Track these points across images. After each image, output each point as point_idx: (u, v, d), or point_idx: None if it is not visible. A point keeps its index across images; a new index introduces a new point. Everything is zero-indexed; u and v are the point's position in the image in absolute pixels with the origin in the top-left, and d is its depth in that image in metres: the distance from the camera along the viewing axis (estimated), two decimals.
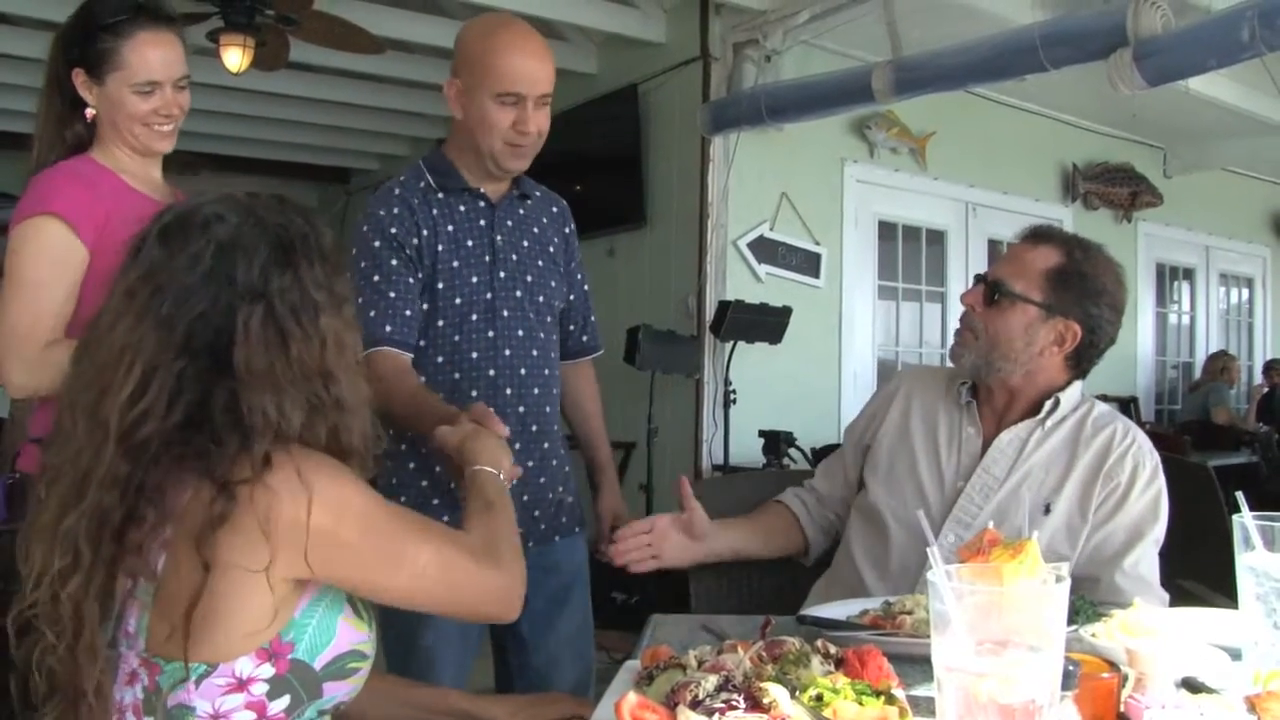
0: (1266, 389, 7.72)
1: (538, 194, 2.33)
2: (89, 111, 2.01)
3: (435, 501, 2.15)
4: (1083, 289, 1.93)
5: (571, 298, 2.39)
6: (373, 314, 2.09)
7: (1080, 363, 1.99)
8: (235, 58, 4.89)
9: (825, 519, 2.19)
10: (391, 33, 5.58)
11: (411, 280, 2.13)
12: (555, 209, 2.37)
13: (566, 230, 2.38)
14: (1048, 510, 1.89)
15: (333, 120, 7.83)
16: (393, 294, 2.11)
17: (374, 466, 1.32)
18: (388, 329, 2.09)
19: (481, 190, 2.21)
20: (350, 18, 5.03)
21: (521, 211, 2.28)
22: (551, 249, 2.31)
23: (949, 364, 2.10)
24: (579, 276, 2.41)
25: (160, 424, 1.16)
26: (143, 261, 1.20)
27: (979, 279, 2.00)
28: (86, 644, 1.15)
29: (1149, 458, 1.93)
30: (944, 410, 2.06)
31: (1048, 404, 1.96)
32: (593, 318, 2.48)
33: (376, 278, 2.11)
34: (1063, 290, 1.92)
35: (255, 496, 1.14)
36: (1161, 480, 1.93)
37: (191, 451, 1.16)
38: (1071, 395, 1.99)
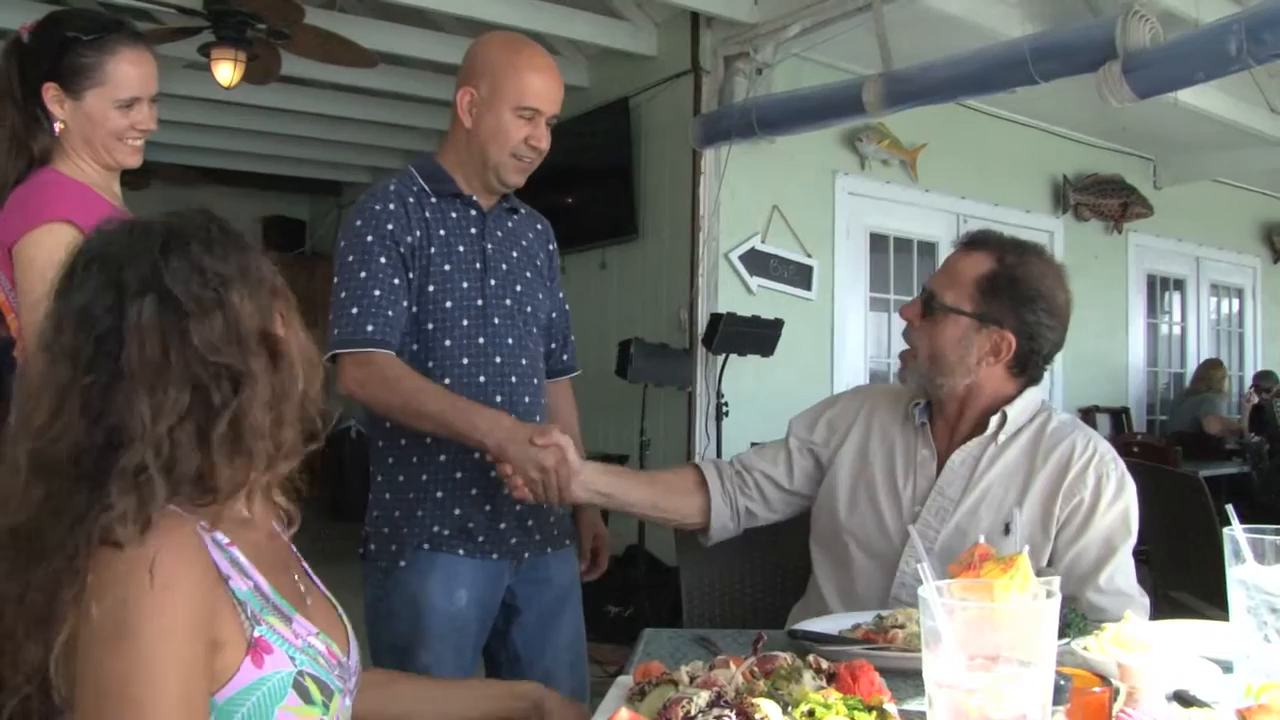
0: (1257, 401, 7.73)
1: (523, 210, 2.34)
2: (57, 126, 1.99)
3: (439, 494, 2.14)
4: (1014, 295, 1.85)
5: (554, 315, 2.40)
6: (355, 311, 2.07)
7: (1026, 370, 1.91)
8: (227, 72, 4.90)
9: (740, 496, 2.08)
10: (383, 46, 5.59)
11: (398, 281, 2.10)
12: (540, 226, 2.38)
13: (550, 248, 2.39)
14: (1007, 530, 1.82)
15: (325, 133, 7.84)
16: (377, 292, 2.08)
17: (292, 456, 1.22)
18: (369, 328, 2.06)
19: (474, 198, 2.21)
20: (342, 31, 5.04)
21: (510, 224, 2.29)
22: (538, 263, 2.33)
23: None
24: (560, 295, 2.43)
25: (71, 440, 1.09)
26: (47, 315, 1.17)
27: (922, 290, 1.96)
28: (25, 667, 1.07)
29: (1113, 469, 1.85)
30: (900, 433, 2.00)
31: (994, 420, 1.89)
32: (572, 338, 2.48)
33: (364, 274, 2.09)
34: (993, 298, 1.85)
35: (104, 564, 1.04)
36: (1130, 491, 1.85)
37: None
38: (1022, 406, 1.91)
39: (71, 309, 1.14)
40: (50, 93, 1.98)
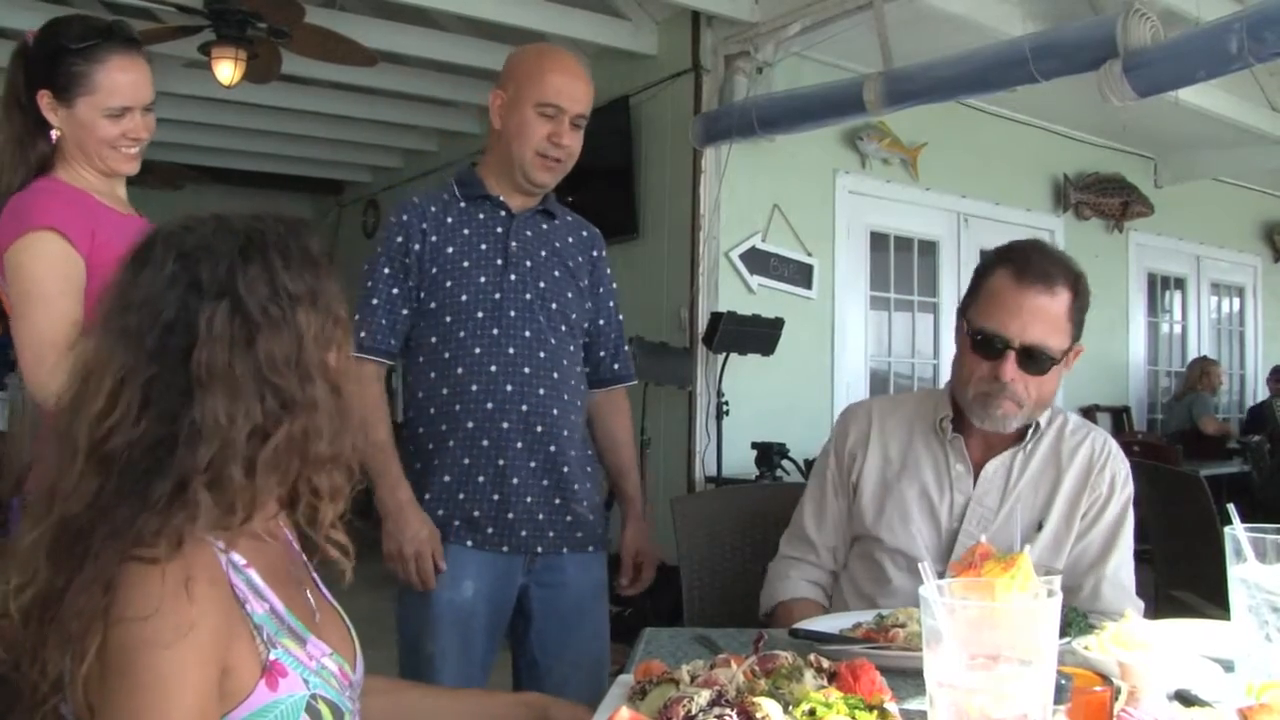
0: (1267, 397, 7.70)
1: (569, 218, 2.39)
2: (54, 133, 2.00)
3: (446, 478, 2.20)
4: (1084, 310, 1.90)
5: (601, 323, 2.42)
6: (356, 318, 2.19)
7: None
8: (227, 70, 4.90)
9: (831, 580, 2.08)
10: (384, 45, 5.59)
11: (397, 290, 2.23)
12: (585, 233, 2.41)
13: (594, 254, 2.41)
14: (1040, 528, 1.89)
15: (325, 132, 7.84)
16: (374, 301, 2.23)
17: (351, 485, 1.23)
18: (362, 334, 2.19)
19: (502, 199, 2.28)
20: (342, 30, 5.04)
21: (544, 226, 2.33)
22: (571, 264, 2.34)
23: (928, 380, 2.06)
24: (611, 304, 2.44)
25: (129, 434, 1.09)
26: (114, 285, 1.17)
27: (1005, 346, 1.83)
28: (31, 670, 1.07)
29: (1123, 465, 1.95)
30: (925, 447, 2.00)
31: (1030, 430, 1.94)
32: (626, 347, 2.49)
33: (369, 283, 2.23)
34: (1078, 324, 1.89)
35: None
36: (1131, 485, 1.94)
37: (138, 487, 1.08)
38: (1047, 411, 1.97)
39: (140, 290, 1.14)
40: (45, 100, 1.99)
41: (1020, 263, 1.87)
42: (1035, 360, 1.84)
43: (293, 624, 1.18)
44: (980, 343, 1.87)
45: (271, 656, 1.12)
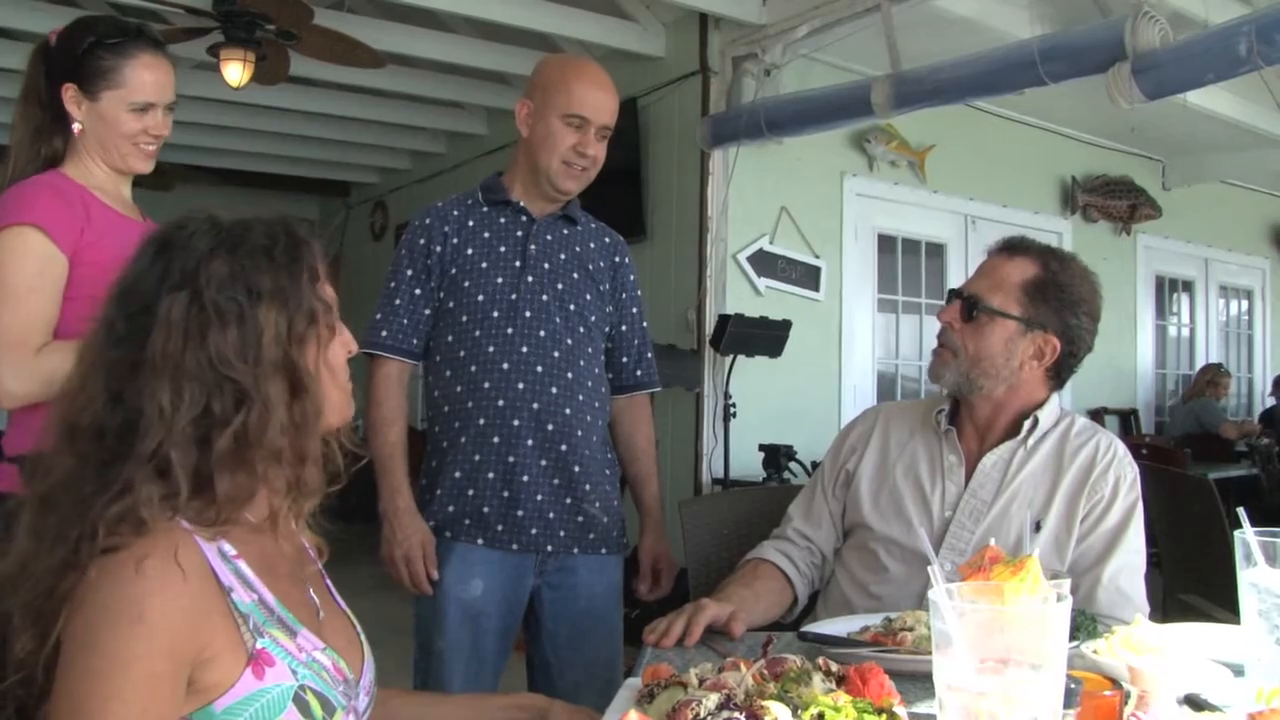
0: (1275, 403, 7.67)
1: (592, 225, 2.42)
2: (75, 126, 2.03)
3: (457, 474, 2.23)
4: (1060, 300, 1.91)
5: (624, 328, 2.43)
6: (378, 316, 2.28)
7: (1060, 374, 1.98)
8: (236, 72, 4.91)
9: (812, 570, 2.08)
10: (392, 47, 5.60)
11: (419, 291, 2.27)
12: (608, 239, 2.44)
13: (616, 260, 2.43)
14: (1038, 528, 1.88)
15: (333, 134, 7.86)
16: (397, 301, 2.27)
17: (315, 491, 1.22)
18: (384, 334, 2.25)
19: (523, 204, 2.31)
20: (351, 32, 5.04)
21: (565, 230, 2.36)
22: (591, 268, 2.36)
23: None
24: (635, 310, 2.45)
25: (94, 417, 1.11)
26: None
27: (954, 294, 1.98)
28: (14, 657, 1.08)
29: (1129, 469, 1.93)
30: (922, 442, 2.03)
31: (1026, 424, 1.95)
32: (649, 354, 2.49)
33: (392, 284, 2.28)
34: (1040, 302, 1.91)
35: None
36: (1139, 491, 1.92)
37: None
38: (1050, 410, 1.98)
39: (122, 281, 1.17)
40: (69, 93, 2.02)
41: (1003, 240, 2.03)
42: (969, 309, 1.94)
43: (283, 615, 1.18)
44: (949, 296, 2.03)
45: (258, 645, 1.13)
